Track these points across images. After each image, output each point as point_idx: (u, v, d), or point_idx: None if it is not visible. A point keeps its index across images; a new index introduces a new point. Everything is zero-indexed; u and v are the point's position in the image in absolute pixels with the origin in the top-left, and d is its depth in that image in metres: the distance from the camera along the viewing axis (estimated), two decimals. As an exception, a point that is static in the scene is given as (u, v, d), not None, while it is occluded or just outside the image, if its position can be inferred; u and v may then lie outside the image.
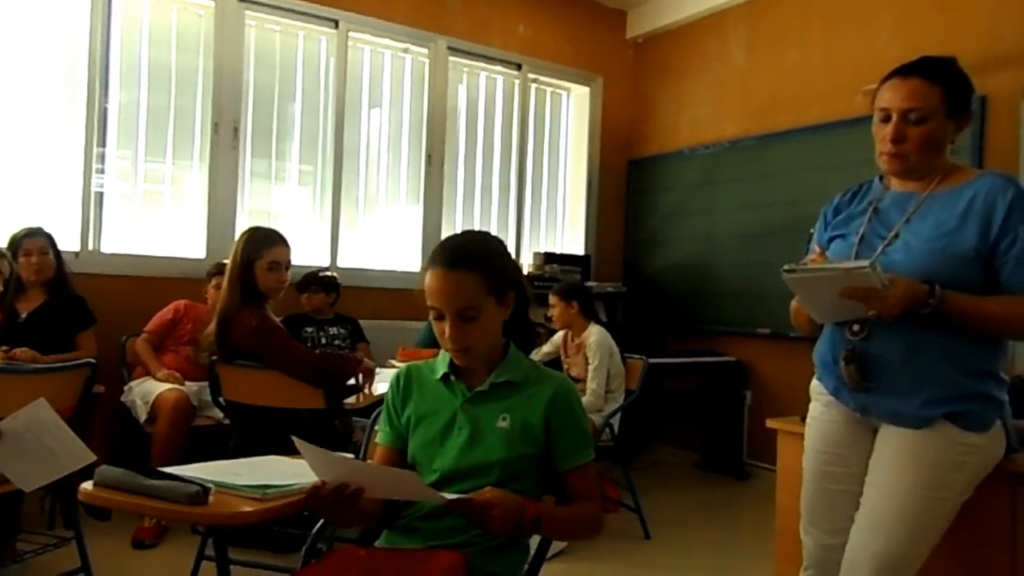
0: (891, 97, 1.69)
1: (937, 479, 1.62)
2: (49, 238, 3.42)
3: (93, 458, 2.16)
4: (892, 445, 1.68)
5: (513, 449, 1.46)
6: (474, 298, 1.43)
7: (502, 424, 1.48)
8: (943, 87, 1.65)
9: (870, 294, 1.57)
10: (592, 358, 3.71)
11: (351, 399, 2.88)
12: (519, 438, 1.47)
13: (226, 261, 3.06)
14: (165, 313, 3.69)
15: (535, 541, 1.52)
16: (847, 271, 1.59)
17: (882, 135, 1.71)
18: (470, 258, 1.44)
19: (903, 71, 1.70)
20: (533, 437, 1.47)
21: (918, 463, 1.63)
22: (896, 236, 1.71)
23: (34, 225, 3.44)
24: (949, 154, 1.75)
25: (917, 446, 1.64)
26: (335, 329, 4.18)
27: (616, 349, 3.81)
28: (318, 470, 1.32)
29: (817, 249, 1.87)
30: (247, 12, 4.39)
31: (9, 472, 2.25)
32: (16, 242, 3.36)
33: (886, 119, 1.70)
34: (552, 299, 3.93)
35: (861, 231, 1.77)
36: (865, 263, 1.57)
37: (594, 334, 3.79)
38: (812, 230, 1.98)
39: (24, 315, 3.32)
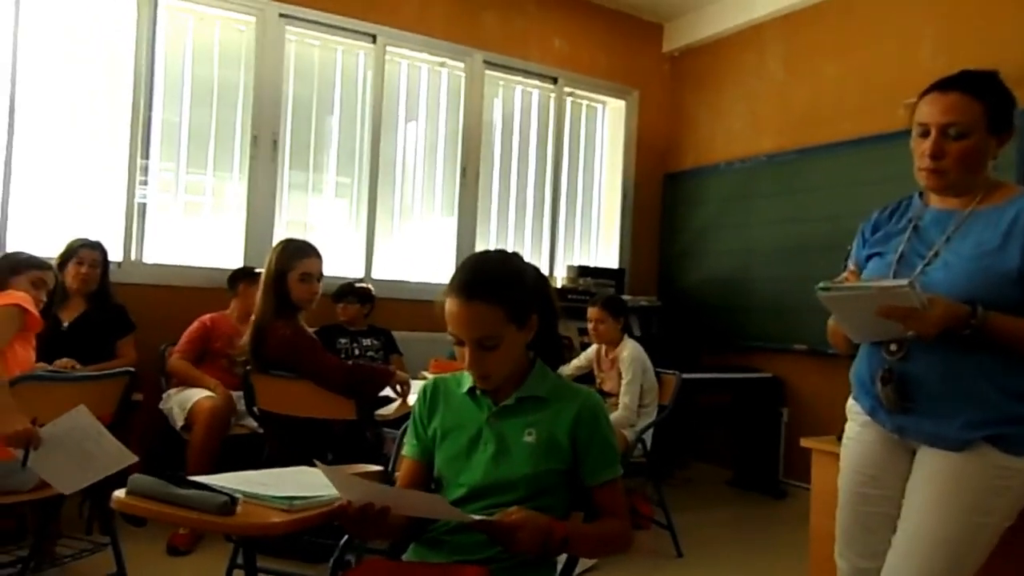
0: (930, 111, 1.65)
1: (978, 503, 1.57)
2: (103, 252, 3.52)
3: (134, 459, 2.22)
4: (930, 468, 1.64)
5: (539, 464, 1.45)
6: (493, 328, 1.42)
7: (528, 439, 1.47)
8: (984, 102, 1.61)
9: (909, 314, 1.53)
10: (626, 373, 3.68)
11: (384, 410, 2.90)
12: (545, 453, 1.46)
13: (254, 269, 3.10)
14: (193, 331, 3.72)
15: (562, 557, 1.50)
16: (884, 290, 1.55)
17: (920, 150, 1.67)
18: (488, 289, 1.42)
19: (942, 85, 1.66)
20: (559, 452, 1.46)
21: (957, 487, 1.59)
22: (936, 255, 1.67)
23: (90, 237, 3.53)
24: (991, 170, 1.71)
25: (956, 469, 1.59)
26: (368, 340, 4.21)
27: (649, 364, 3.77)
28: (344, 492, 1.32)
29: (851, 267, 1.83)
30: (287, 27, 4.47)
31: (48, 476, 2.31)
32: (72, 250, 3.45)
33: (925, 134, 1.66)
34: (597, 313, 3.80)
35: (900, 249, 1.73)
36: (904, 282, 1.53)
37: (628, 348, 3.76)
38: (850, 246, 1.94)
39: (66, 324, 3.41)
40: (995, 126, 1.62)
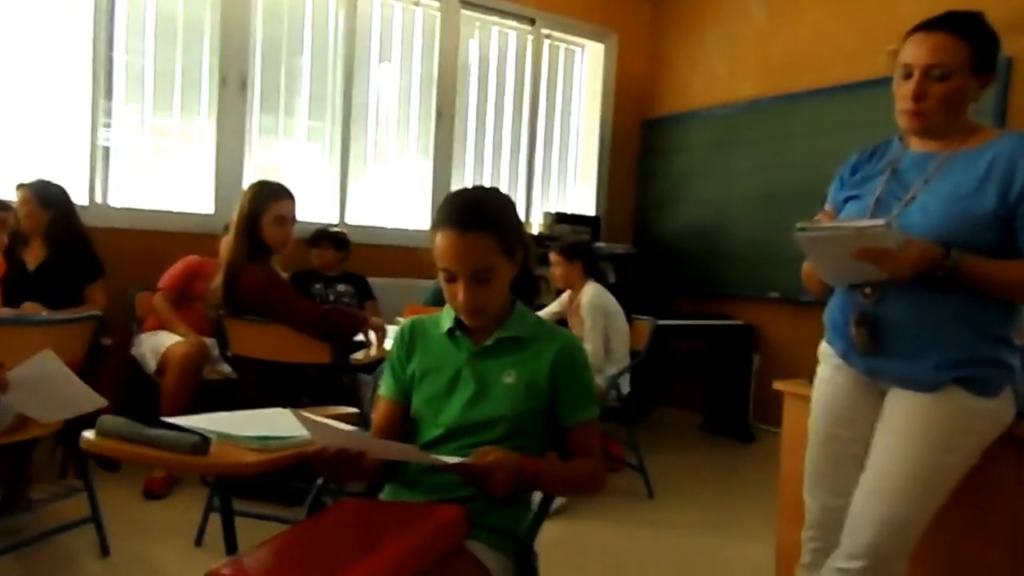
0: (914, 52, 1.63)
1: (945, 443, 1.61)
2: (35, 189, 3.35)
3: (104, 403, 2.19)
4: (900, 408, 1.66)
5: (518, 405, 1.45)
6: (489, 260, 1.40)
7: (508, 380, 1.47)
8: (970, 42, 1.59)
9: (884, 255, 1.53)
10: (586, 319, 3.62)
11: (358, 355, 2.88)
12: (524, 393, 1.46)
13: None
14: (178, 269, 3.67)
15: (537, 496, 1.52)
16: (861, 230, 1.55)
17: (903, 92, 1.66)
18: (484, 219, 1.40)
19: (928, 25, 1.63)
20: (538, 392, 1.47)
21: (926, 426, 1.62)
22: (913, 198, 1.67)
23: (52, 180, 3.42)
24: (972, 113, 1.70)
25: (926, 410, 1.62)
26: (343, 286, 4.17)
27: (614, 307, 3.72)
28: (318, 438, 1.32)
29: (827, 209, 1.83)
30: (255, -38, 4.30)
31: (26, 410, 2.31)
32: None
33: (908, 75, 1.64)
34: (554, 257, 3.79)
35: (877, 192, 1.73)
36: (880, 222, 1.53)
37: (587, 295, 3.69)
38: (827, 192, 1.93)
39: (32, 268, 3.33)
40: (979, 67, 1.61)
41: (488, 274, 1.41)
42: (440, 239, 1.41)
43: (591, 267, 3.83)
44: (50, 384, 2.20)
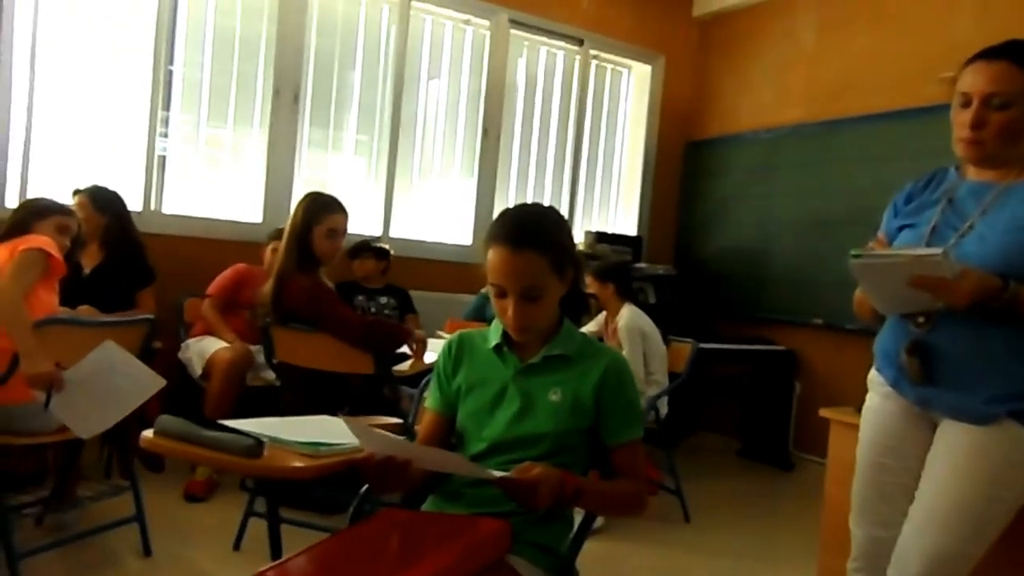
0: (973, 81, 1.61)
1: (997, 477, 1.57)
2: (92, 194, 3.44)
3: (163, 383, 2.26)
4: (952, 440, 1.63)
5: (562, 423, 1.45)
6: (539, 279, 1.41)
7: (553, 398, 1.47)
8: (1031, 72, 1.57)
9: (940, 284, 1.51)
10: (624, 343, 3.61)
11: (401, 366, 2.91)
12: (569, 412, 1.46)
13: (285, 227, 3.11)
14: (227, 276, 3.74)
15: (579, 515, 1.52)
16: (918, 258, 1.53)
17: (961, 120, 1.64)
18: (537, 238, 1.41)
19: (988, 54, 1.61)
20: (583, 411, 1.47)
21: (978, 460, 1.58)
22: (970, 228, 1.64)
23: (108, 186, 3.52)
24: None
25: (978, 443, 1.59)
26: (385, 299, 4.22)
27: (651, 328, 3.71)
28: (367, 444, 1.33)
29: (879, 236, 1.81)
30: (311, -21, 4.41)
31: (68, 420, 2.36)
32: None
33: (966, 104, 1.62)
34: (588, 279, 3.75)
35: (933, 221, 1.70)
36: (938, 250, 1.51)
37: (624, 318, 3.67)
38: (878, 220, 1.91)
39: (87, 271, 3.43)
40: (1040, 97, 1.58)
41: (538, 292, 1.42)
42: (492, 254, 1.42)
43: (625, 288, 3.81)
44: (109, 376, 2.26)
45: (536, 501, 1.29)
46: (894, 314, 1.74)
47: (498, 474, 1.33)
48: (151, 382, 2.30)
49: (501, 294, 1.44)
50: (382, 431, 1.41)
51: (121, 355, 2.25)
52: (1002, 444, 1.57)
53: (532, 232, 1.42)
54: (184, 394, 3.55)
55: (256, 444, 1.41)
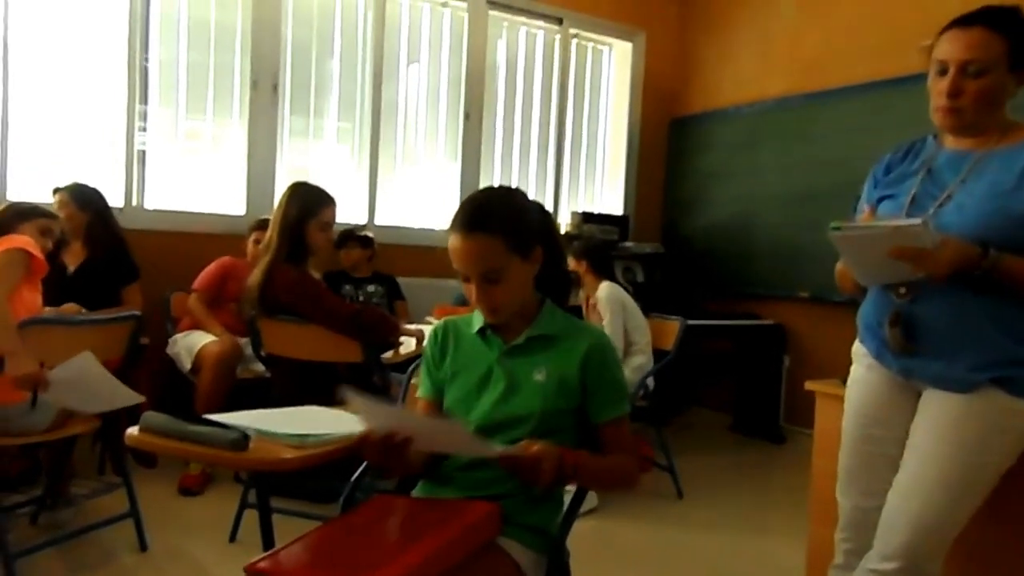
0: (949, 48, 1.61)
1: (980, 444, 1.59)
2: (72, 192, 3.43)
3: (141, 399, 2.26)
4: (935, 409, 1.65)
5: (548, 402, 1.46)
6: (495, 260, 1.41)
7: (538, 377, 1.48)
8: (1007, 37, 1.56)
9: (920, 254, 1.51)
10: (604, 314, 3.66)
11: (390, 353, 2.91)
12: (555, 391, 1.47)
13: (267, 217, 3.09)
14: (213, 270, 3.73)
15: (569, 495, 1.53)
16: (897, 229, 1.53)
17: (938, 89, 1.64)
18: (488, 221, 1.41)
19: (963, 21, 1.61)
20: (569, 390, 1.47)
21: (961, 427, 1.60)
22: (949, 197, 1.65)
23: (88, 183, 3.50)
24: (1009, 111, 1.67)
25: (961, 410, 1.60)
26: (372, 287, 4.22)
27: (631, 303, 3.75)
28: (368, 418, 1.33)
29: (866, 208, 1.81)
30: (285, -33, 4.36)
31: (66, 404, 2.40)
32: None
33: (943, 72, 1.62)
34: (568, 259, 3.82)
35: (912, 191, 1.71)
36: (917, 221, 1.51)
37: (603, 290, 3.73)
38: (860, 192, 1.92)
39: (72, 269, 3.41)
40: (1017, 63, 1.58)
41: (496, 274, 1.42)
42: (451, 243, 1.44)
43: (599, 266, 3.84)
44: (88, 383, 2.27)
45: (539, 477, 1.29)
46: (875, 285, 1.75)
47: (499, 448, 1.32)
48: (127, 397, 2.31)
49: (466, 279, 1.45)
50: (384, 404, 1.40)
51: (97, 369, 2.25)
52: (985, 411, 1.59)
53: (483, 216, 1.42)
54: (174, 389, 3.55)
55: (242, 437, 1.41)
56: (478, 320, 1.55)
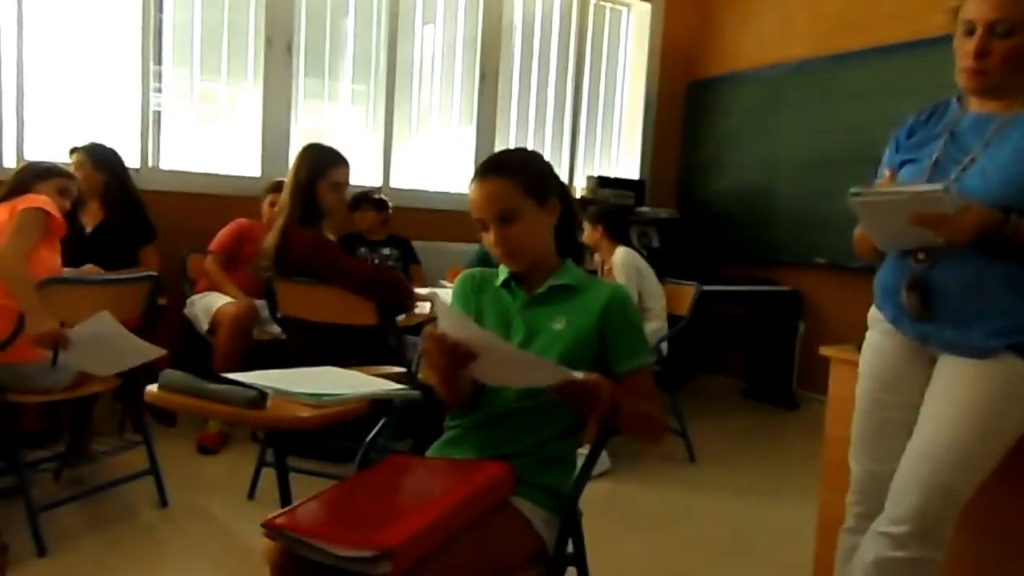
0: (977, 8, 1.56)
1: (995, 409, 1.58)
2: (90, 152, 3.43)
3: (162, 352, 2.29)
4: (950, 375, 1.64)
5: (568, 350, 1.47)
6: (509, 200, 1.46)
7: (557, 326, 1.50)
8: (1036, -4, 1.53)
9: (941, 220, 1.49)
10: (619, 279, 3.66)
11: (401, 317, 2.93)
12: (573, 341, 1.48)
13: (282, 180, 3.09)
14: (228, 232, 3.73)
15: (582, 457, 1.54)
16: (918, 194, 1.51)
17: (964, 50, 1.60)
18: (504, 165, 1.49)
19: (993, -22, 1.57)
20: (587, 340, 1.49)
21: (976, 393, 1.59)
22: (972, 161, 1.62)
23: (104, 143, 3.50)
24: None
25: (977, 376, 1.59)
26: (387, 250, 4.22)
27: (646, 268, 3.75)
28: (446, 322, 1.35)
29: (887, 173, 1.78)
30: (300, -76, 4.29)
31: (85, 367, 2.44)
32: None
33: (969, 32, 1.58)
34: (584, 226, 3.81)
35: (935, 156, 1.68)
36: (939, 186, 1.49)
37: (619, 255, 3.73)
38: (882, 156, 1.88)
39: (89, 229, 3.43)
40: (1046, 22, 1.54)
41: (512, 214, 1.46)
42: (470, 193, 1.49)
43: (615, 231, 3.83)
44: (107, 341, 2.30)
45: (595, 406, 1.32)
46: (895, 250, 1.73)
47: (577, 373, 1.30)
48: (148, 351, 2.34)
49: (484, 227, 1.49)
50: (467, 317, 1.46)
51: (115, 327, 2.27)
52: (1001, 377, 1.58)
53: (497, 164, 1.50)
54: (191, 349, 3.59)
55: (259, 396, 1.43)
56: (503, 273, 1.59)
